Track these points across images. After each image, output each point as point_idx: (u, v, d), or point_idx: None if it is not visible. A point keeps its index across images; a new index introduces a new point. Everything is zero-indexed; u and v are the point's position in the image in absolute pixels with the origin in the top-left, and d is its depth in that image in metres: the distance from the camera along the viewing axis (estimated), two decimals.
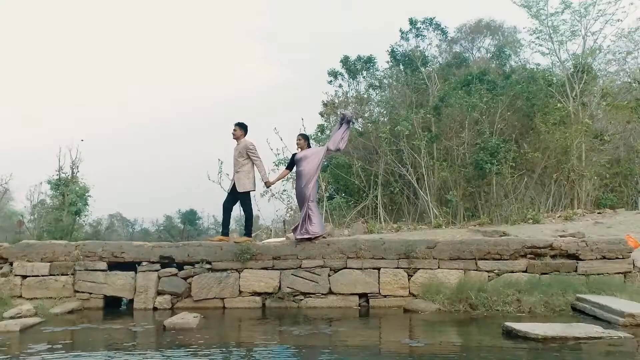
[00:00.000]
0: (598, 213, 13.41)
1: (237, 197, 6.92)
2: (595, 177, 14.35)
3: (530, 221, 12.29)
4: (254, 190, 7.07)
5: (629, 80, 16.46)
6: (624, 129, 15.64)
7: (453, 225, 13.03)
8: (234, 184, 6.89)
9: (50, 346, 4.29)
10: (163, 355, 4.08)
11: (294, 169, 7.14)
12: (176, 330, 4.99)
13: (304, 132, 7.82)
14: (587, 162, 14.44)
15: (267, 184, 7.25)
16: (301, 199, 6.90)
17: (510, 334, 4.52)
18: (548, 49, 16.41)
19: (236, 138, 6.99)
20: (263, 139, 12.84)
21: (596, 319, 5.13)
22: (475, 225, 12.50)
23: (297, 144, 7.15)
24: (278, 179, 7.59)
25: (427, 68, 17.13)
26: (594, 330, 4.43)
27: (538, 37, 16.47)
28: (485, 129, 14.15)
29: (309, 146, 7.18)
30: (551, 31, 15.88)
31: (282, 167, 13.78)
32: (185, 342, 4.47)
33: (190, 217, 48.16)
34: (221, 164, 12.28)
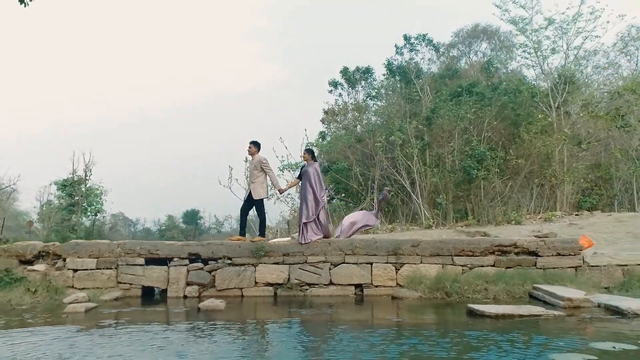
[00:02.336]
0: (576, 215, 14.63)
1: (252, 203, 8.17)
2: (582, 180, 15.54)
3: (513, 222, 13.56)
4: (267, 198, 8.35)
5: (619, 85, 17.38)
6: (605, 135, 16.80)
7: (443, 226, 14.26)
8: (250, 193, 8.14)
9: (116, 321, 5.56)
10: (208, 324, 5.35)
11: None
12: (208, 311, 6.27)
13: (309, 147, 9.05)
14: (568, 168, 15.65)
15: (280, 191, 8.51)
16: (301, 206, 8.09)
17: (471, 313, 5.80)
18: (533, 62, 17.66)
19: (251, 154, 8.25)
20: (265, 135, 14.13)
21: (545, 303, 6.36)
22: (462, 226, 13.75)
23: (303, 157, 8.39)
24: (289, 187, 8.83)
25: (420, 80, 18.34)
26: (536, 309, 5.69)
27: (524, 51, 17.74)
28: (473, 138, 15.35)
29: (313, 158, 8.29)
30: (535, 46, 17.12)
31: (287, 173, 15.13)
32: (219, 319, 5.74)
33: (192, 217, 49.55)
34: (231, 170, 13.58)
